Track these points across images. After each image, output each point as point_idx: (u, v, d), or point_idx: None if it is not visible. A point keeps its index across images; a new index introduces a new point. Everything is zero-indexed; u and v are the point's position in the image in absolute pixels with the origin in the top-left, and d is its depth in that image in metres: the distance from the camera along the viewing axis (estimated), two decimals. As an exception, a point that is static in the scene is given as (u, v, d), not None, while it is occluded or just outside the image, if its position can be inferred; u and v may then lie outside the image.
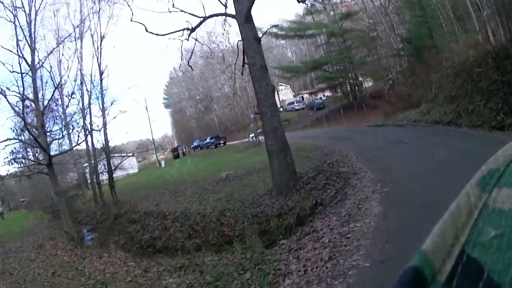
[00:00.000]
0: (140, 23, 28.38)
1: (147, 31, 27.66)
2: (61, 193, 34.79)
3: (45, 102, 34.67)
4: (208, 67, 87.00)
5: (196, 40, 29.26)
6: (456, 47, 35.88)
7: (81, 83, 44.13)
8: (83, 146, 44.35)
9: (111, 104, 45.15)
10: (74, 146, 39.45)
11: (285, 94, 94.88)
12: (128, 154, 56.54)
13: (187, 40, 27.20)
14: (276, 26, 48.72)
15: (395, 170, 18.14)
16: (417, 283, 0.57)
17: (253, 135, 54.20)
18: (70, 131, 40.61)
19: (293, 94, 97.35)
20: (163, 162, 69.24)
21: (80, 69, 44.14)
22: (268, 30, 31.16)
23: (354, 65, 59.03)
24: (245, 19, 22.21)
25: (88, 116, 44.22)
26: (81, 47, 44.55)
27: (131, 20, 28.74)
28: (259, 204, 22.46)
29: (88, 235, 34.20)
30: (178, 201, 31.07)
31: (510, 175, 0.67)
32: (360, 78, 63.72)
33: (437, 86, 33.50)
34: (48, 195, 49.51)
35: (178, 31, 26.63)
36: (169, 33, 26.89)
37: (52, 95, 34.27)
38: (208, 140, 73.86)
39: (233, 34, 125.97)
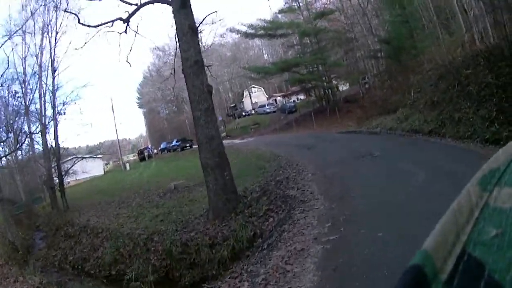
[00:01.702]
0: (73, 13, 25.56)
1: (79, 22, 23.98)
2: (4, 201, 32.32)
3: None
4: (178, 65, 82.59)
5: (136, 33, 25.10)
6: (438, 49, 32.53)
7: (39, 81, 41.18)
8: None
9: (63, 104, 42.02)
10: (12, 152, 35.86)
11: (257, 96, 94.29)
12: (85, 156, 54.51)
13: (126, 33, 23.19)
14: (215, 12, 43.78)
15: (355, 200, 13.16)
16: (418, 282, 0.58)
17: (214, 138, 51.39)
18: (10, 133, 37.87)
19: (267, 96, 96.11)
20: (127, 165, 68.27)
21: (40, 66, 41.03)
22: (204, 19, 26.50)
23: (327, 67, 55.36)
24: (180, 3, 18.11)
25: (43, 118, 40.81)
26: (42, 43, 41.33)
27: (65, 11, 27.35)
28: (192, 229, 18.00)
29: (39, 244, 31.35)
30: (119, 214, 27.42)
31: (511, 174, 0.67)
32: (334, 82, 60.51)
33: (416, 90, 29.38)
34: (17, 194, 47.87)
35: (109, 21, 22.58)
36: (101, 24, 22.95)
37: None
38: (174, 142, 73.03)
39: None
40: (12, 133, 36.07)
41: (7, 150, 39.10)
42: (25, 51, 39.96)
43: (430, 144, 20.74)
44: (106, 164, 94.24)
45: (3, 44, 34.79)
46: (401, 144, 22.69)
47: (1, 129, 35.14)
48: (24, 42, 40.11)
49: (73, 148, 52.65)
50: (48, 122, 40.11)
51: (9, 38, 36.42)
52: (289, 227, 12.41)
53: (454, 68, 24.11)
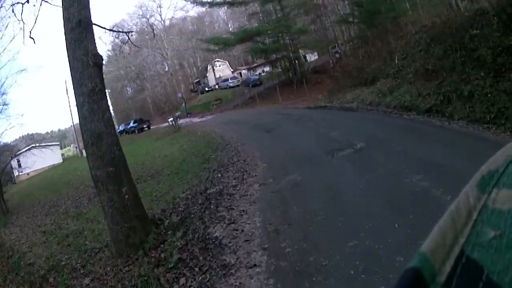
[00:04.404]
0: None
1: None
2: None
3: None
4: (142, 42, 76.45)
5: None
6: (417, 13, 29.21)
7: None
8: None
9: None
10: None
11: (222, 70, 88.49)
12: (28, 148, 54.45)
13: (27, 2, 17.34)
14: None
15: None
16: (416, 285, 0.57)
17: (171, 119, 50.06)
18: None
19: (232, 70, 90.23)
20: (84, 152, 60.86)
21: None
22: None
23: (292, 35, 49.61)
24: None
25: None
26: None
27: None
28: (90, 270, 11.25)
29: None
30: (40, 225, 21.44)
31: (510, 176, 0.66)
32: (301, 52, 55.21)
33: (401, 57, 23.98)
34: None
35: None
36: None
37: None
38: (131, 124, 67.97)
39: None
40: None
41: None
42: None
43: (435, 129, 14.54)
44: (76, 148, 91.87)
45: None
46: (391, 128, 16.23)
47: None
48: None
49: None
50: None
51: None
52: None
53: (453, 29, 18.98)
